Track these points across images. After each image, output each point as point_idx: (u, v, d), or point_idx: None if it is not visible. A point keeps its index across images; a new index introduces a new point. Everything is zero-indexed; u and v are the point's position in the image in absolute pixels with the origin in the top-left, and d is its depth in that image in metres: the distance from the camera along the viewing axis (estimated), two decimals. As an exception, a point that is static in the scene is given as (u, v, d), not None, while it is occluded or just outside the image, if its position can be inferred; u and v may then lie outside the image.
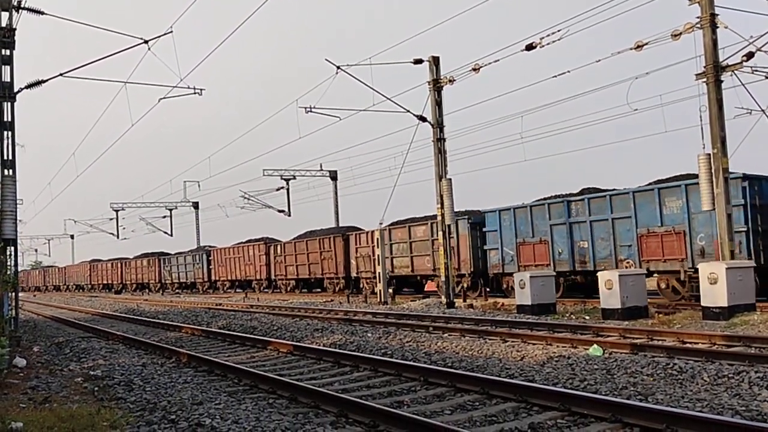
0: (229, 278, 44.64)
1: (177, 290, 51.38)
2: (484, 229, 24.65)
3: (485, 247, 24.59)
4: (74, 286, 72.06)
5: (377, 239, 27.72)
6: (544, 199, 22.83)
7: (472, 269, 25.11)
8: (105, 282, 64.74)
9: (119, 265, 62.19)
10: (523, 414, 6.85)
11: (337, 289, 33.91)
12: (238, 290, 44.13)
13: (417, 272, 27.99)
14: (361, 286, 31.59)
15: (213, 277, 46.66)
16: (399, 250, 28.83)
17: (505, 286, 24.02)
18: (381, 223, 28.41)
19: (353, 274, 32.34)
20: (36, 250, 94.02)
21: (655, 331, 12.27)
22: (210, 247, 49.84)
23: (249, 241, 43.45)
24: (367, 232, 31.29)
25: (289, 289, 37.89)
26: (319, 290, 36.66)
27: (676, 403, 6.92)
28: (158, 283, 54.51)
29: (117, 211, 57.42)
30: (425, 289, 29.79)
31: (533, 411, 6.92)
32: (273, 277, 39.59)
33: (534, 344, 11.86)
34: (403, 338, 13.64)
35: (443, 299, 22.42)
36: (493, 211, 24.19)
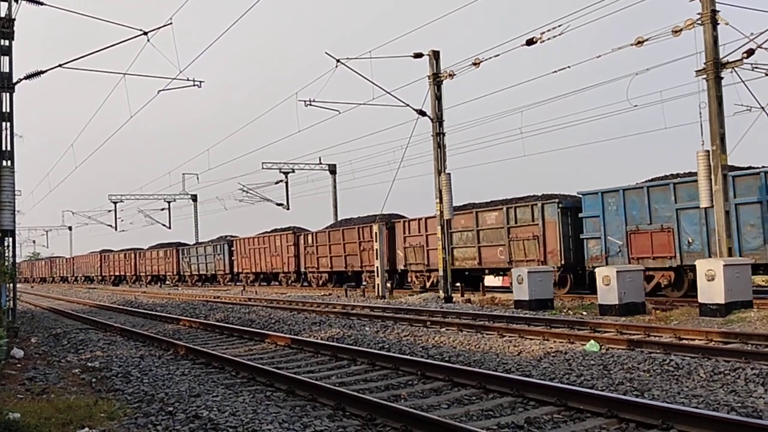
0: (254, 270, 41.33)
1: (196, 282, 48.61)
2: (580, 215, 20.91)
3: (582, 236, 20.86)
4: (83, 278, 69.19)
5: (375, 233, 26.72)
6: (665, 177, 19.52)
7: (562, 262, 21.57)
8: (117, 273, 61.54)
9: (132, 255, 59.12)
10: (520, 408, 6.87)
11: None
12: (262, 284, 41.30)
13: (486, 265, 24.51)
14: (410, 280, 28.49)
15: (236, 269, 43.45)
16: (462, 240, 25.33)
17: None
18: (378, 218, 28.37)
19: (399, 267, 28.83)
20: (34, 242, 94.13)
21: (652, 327, 12.30)
22: (232, 236, 46.07)
23: (275, 230, 40.71)
24: (419, 220, 27.77)
25: (321, 282, 34.91)
26: (354, 284, 31.44)
27: (672, 399, 6.94)
28: (176, 275, 51.59)
29: (115, 203, 57.26)
30: (500, 284, 26.79)
31: (530, 406, 6.94)
32: (303, 269, 36.42)
33: (531, 339, 11.88)
34: (400, 332, 13.66)
35: (441, 294, 22.46)
36: (592, 193, 20.48)
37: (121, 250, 62.98)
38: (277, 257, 38.60)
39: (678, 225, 18.20)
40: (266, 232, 40.91)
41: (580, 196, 20.96)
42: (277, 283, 40.14)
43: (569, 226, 21.74)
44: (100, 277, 64.64)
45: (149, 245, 60.72)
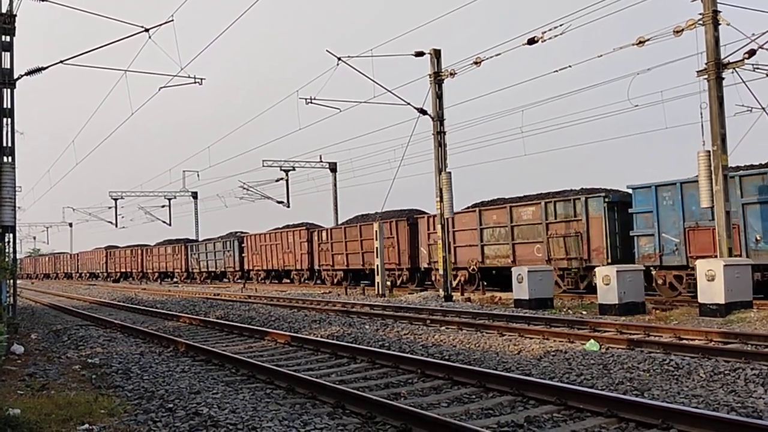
0: (265, 268, 40.26)
1: (205, 280, 47.55)
2: (630, 210, 19.51)
3: (632, 233, 19.40)
4: (87, 274, 68.16)
5: (375, 231, 26.48)
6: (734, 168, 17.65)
7: (608, 260, 20.07)
8: (123, 270, 60.45)
9: (139, 252, 58.07)
10: (520, 407, 6.88)
11: (399, 282, 29.18)
12: (274, 281, 40.22)
13: (521, 263, 22.46)
14: (434, 278, 27.03)
15: (246, 266, 42.34)
16: (494, 237, 24.00)
17: (661, 281, 18.87)
18: (378, 216, 28.35)
19: (422, 265, 27.64)
20: (34, 238, 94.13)
21: (652, 327, 12.30)
22: (242, 233, 45.00)
23: (287, 226, 39.79)
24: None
25: (335, 281, 33.44)
26: (367, 283, 30.43)
27: (672, 398, 6.95)
28: (184, 272, 50.45)
29: (116, 199, 57.21)
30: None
31: (530, 404, 6.95)
32: (317, 267, 35.25)
33: (531, 338, 11.89)
34: (400, 330, 13.67)
35: (441, 292, 22.47)
36: (645, 186, 19.07)
37: (127, 246, 61.91)
38: (289, 254, 37.57)
39: (744, 221, 16.82)
40: (278, 228, 40.04)
41: (630, 190, 19.65)
42: (288, 281, 39.19)
43: (616, 222, 20.43)
44: (105, 274, 63.56)
45: (149, 242, 60.65)
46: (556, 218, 21.90)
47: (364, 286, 28.39)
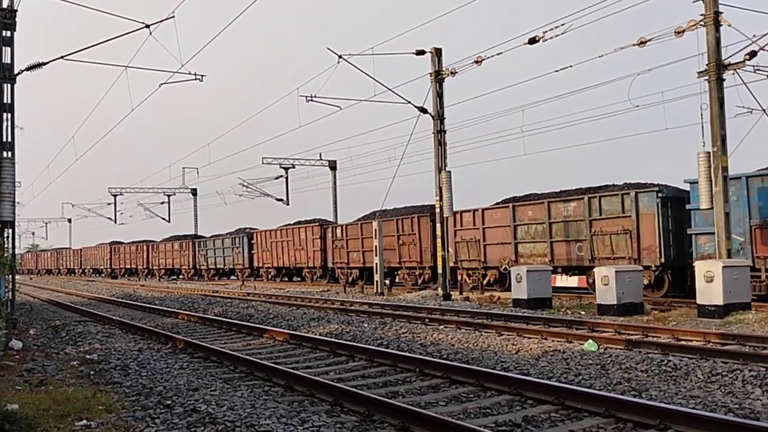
0: (275, 265, 38.88)
1: (213, 277, 46.53)
2: (687, 207, 18.10)
3: (690, 231, 18.08)
4: (91, 270, 66.80)
5: (375, 229, 26.25)
6: None
7: (661, 260, 18.72)
8: (128, 266, 59.27)
9: (145, 248, 56.69)
10: (518, 407, 6.88)
11: (420, 281, 27.68)
12: (284, 279, 39.06)
13: (559, 263, 21.54)
14: (460, 279, 25.35)
15: (255, 264, 41.09)
16: (529, 234, 22.55)
17: None
18: (378, 215, 28.33)
19: (449, 264, 25.08)
20: (33, 233, 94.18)
21: (650, 327, 12.31)
22: (252, 229, 43.88)
23: (298, 222, 38.39)
24: (474, 211, 24.68)
25: (350, 279, 31.74)
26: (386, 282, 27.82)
27: (670, 399, 6.95)
28: (191, 269, 49.23)
29: (115, 195, 57.21)
30: (576, 285, 23.83)
31: (528, 404, 6.95)
32: (330, 264, 33.75)
33: (529, 338, 11.89)
34: (399, 329, 13.67)
35: (439, 291, 22.48)
36: None
37: (133, 242, 60.95)
38: (301, 251, 36.15)
39: None
40: (289, 224, 38.85)
41: (687, 184, 18.29)
42: (299, 279, 38.11)
43: (669, 219, 19.02)
44: (109, 270, 62.29)
45: (147, 238, 60.49)
46: (601, 214, 20.38)
47: (362, 284, 28.07)
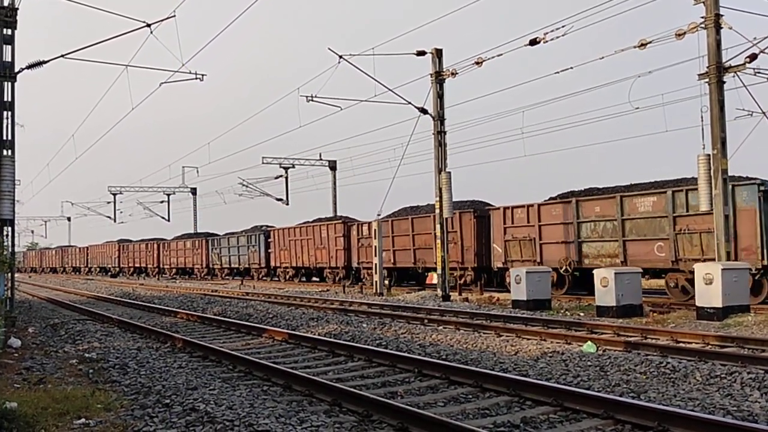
0: (294, 265, 36.74)
1: (227, 277, 44.99)
2: None
3: None
4: (98, 269, 64.77)
5: (374, 229, 25.67)
6: None
7: (764, 261, 16.64)
8: (137, 265, 57.44)
9: (155, 246, 54.73)
10: (516, 408, 6.88)
11: (461, 283, 25.35)
12: (302, 280, 36.99)
13: (634, 264, 18.75)
14: (507, 280, 22.17)
15: (272, 263, 39.05)
16: (596, 232, 20.49)
17: None
18: (379, 215, 28.27)
19: (496, 264, 23.95)
20: (32, 232, 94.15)
21: (649, 329, 12.31)
22: (269, 227, 41.69)
23: (318, 220, 36.43)
24: (528, 207, 22.76)
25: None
26: (414, 283, 26.99)
27: (668, 401, 6.95)
28: (204, 268, 47.32)
29: (115, 194, 57.25)
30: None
31: (526, 405, 6.95)
32: (355, 264, 31.54)
33: (528, 339, 11.90)
34: (398, 330, 13.67)
35: (439, 292, 22.48)
36: None
37: (142, 240, 59.44)
38: (322, 250, 33.93)
39: None
40: (309, 222, 36.84)
41: None
42: (317, 279, 36.34)
43: None
44: (117, 269, 60.55)
45: (147, 237, 60.37)
46: (687, 210, 18.04)
47: (361, 284, 27.75)
